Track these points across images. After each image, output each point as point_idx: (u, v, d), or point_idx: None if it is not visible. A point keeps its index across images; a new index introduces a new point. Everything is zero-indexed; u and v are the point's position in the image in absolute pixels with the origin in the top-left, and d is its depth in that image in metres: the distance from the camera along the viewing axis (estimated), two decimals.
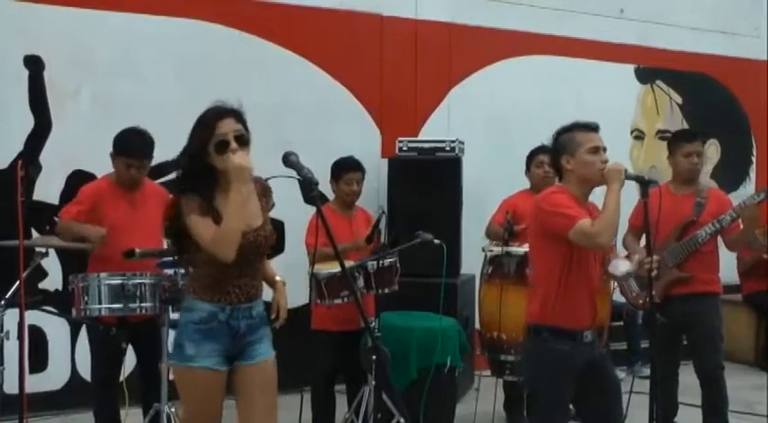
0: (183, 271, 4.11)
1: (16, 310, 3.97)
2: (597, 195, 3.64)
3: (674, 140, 5.02)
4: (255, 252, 3.21)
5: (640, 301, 4.90)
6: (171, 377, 4.16)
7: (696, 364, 4.80)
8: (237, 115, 3.13)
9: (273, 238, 3.29)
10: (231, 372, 3.25)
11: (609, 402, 3.69)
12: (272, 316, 3.41)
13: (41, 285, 5.55)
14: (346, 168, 5.09)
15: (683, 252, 4.74)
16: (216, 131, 3.05)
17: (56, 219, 4.45)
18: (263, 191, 3.31)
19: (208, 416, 3.24)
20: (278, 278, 3.52)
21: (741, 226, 4.74)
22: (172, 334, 3.88)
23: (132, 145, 4.41)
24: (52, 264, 5.40)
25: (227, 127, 3.07)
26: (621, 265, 3.65)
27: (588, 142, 3.57)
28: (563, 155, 3.61)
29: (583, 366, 3.58)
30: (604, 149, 3.59)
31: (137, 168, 4.42)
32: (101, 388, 4.57)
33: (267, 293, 3.41)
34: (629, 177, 3.56)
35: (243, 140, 3.09)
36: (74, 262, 4.66)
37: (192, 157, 3.13)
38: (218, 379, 3.18)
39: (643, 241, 4.43)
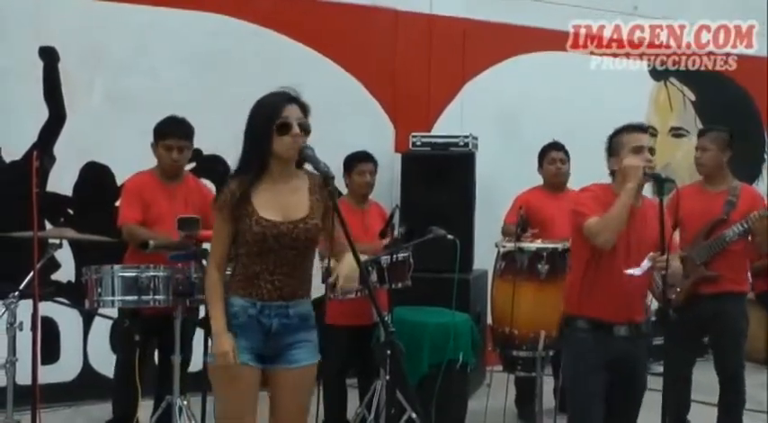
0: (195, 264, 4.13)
1: (29, 302, 4.00)
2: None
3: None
4: (292, 246, 3.10)
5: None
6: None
7: (718, 362, 4.78)
8: (302, 106, 3.15)
9: (316, 234, 3.15)
10: (267, 373, 3.15)
11: (626, 407, 3.74)
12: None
13: (54, 277, 5.55)
14: (358, 159, 5.13)
15: (711, 251, 4.69)
16: (282, 114, 3.07)
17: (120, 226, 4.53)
18: (316, 186, 3.20)
19: (242, 413, 3.13)
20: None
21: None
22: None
23: (171, 127, 4.54)
24: (64, 255, 5.40)
25: (292, 112, 3.09)
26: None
27: (632, 142, 3.62)
28: (611, 157, 3.71)
29: (611, 360, 3.62)
30: (651, 150, 3.62)
31: (178, 150, 4.51)
32: (116, 374, 4.76)
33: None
34: (644, 175, 3.57)
35: (305, 128, 3.10)
36: (86, 254, 4.66)
37: (253, 139, 3.09)
38: (249, 374, 3.09)
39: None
